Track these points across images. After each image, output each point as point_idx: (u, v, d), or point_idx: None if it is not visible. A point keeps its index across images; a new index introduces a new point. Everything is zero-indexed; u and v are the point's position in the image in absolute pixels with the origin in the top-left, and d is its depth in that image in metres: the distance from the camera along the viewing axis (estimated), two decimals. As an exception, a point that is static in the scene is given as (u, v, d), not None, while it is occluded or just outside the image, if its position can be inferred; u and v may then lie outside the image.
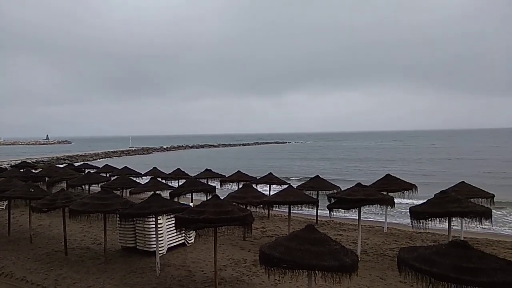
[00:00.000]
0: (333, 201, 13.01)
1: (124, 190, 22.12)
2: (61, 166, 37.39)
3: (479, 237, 16.20)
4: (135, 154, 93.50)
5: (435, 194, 11.74)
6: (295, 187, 16.92)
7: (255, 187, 18.65)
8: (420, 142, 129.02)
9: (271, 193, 19.16)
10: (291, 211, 14.83)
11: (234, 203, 11.35)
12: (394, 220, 20.72)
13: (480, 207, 11.17)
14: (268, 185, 22.02)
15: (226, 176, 23.61)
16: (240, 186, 19.67)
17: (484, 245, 14.80)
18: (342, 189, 16.21)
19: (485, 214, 10.69)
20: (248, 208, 13.86)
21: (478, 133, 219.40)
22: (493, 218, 11.34)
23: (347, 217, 17.94)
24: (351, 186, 13.48)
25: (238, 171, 23.53)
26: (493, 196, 15.41)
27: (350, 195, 12.55)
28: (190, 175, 24.83)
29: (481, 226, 11.85)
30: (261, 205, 15.40)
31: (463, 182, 16.26)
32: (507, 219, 21.46)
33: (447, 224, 11.31)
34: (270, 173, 22.68)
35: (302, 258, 7.06)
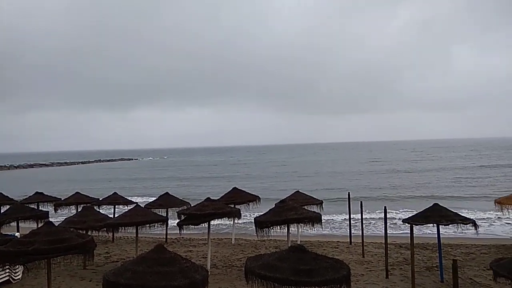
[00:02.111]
0: (183, 217, 12.91)
1: None
2: None
3: (312, 240, 18.20)
4: None
5: (275, 204, 12.80)
6: (143, 206, 16.21)
7: (97, 209, 17.15)
8: (264, 157, 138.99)
9: (116, 215, 17.91)
10: (140, 232, 14.11)
11: (72, 229, 10.20)
12: (241, 231, 21.70)
13: (312, 213, 12.65)
14: (112, 206, 20.53)
15: (62, 199, 21.08)
16: (80, 209, 17.80)
17: (316, 247, 16.70)
18: (192, 205, 16.24)
19: (316, 219, 12.13)
20: (90, 233, 12.65)
21: (317, 147, 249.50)
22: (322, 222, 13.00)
23: (196, 232, 18.08)
24: (201, 201, 13.64)
25: (77, 193, 21.25)
26: (322, 202, 17.64)
27: (200, 210, 12.65)
28: (15, 199, 21.32)
29: (314, 229, 13.43)
30: (105, 229, 14.20)
31: (298, 191, 18.18)
32: (334, 224, 24.67)
33: (286, 230, 12.41)
34: (115, 193, 21.21)
35: (151, 281, 6.73)
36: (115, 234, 18.83)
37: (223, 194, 17.91)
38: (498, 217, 22.88)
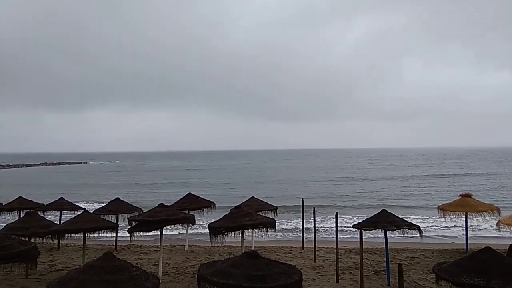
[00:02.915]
0: (134, 224, 12.54)
1: None
2: None
3: (266, 246, 18.30)
4: None
5: (230, 210, 12.78)
6: (92, 212, 15.56)
7: (42, 215, 16.22)
8: (221, 162, 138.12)
9: (63, 222, 17.03)
10: (87, 239, 13.51)
11: (13, 236, 9.59)
12: (195, 237, 21.40)
13: (267, 218, 12.75)
14: (58, 212, 19.49)
15: (3, 204, 19.75)
16: (22, 215, 16.74)
17: (270, 252, 16.81)
18: (144, 211, 15.81)
19: (270, 225, 12.24)
20: (33, 240, 11.94)
21: (274, 153, 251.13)
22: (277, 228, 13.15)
23: (148, 239, 17.61)
24: (154, 207, 13.32)
25: (20, 197, 19.98)
26: (277, 208, 17.85)
27: (152, 216, 12.34)
28: None
29: (268, 235, 13.55)
30: (50, 236, 13.47)
31: (253, 197, 18.27)
32: (288, 230, 24.98)
33: (240, 236, 12.42)
34: (61, 198, 20.17)
35: (99, 290, 6.48)
36: (61, 241, 17.88)
37: (177, 200, 17.61)
38: (441, 223, 24.19)
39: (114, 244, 18.31)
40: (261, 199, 18.27)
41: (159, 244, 13.36)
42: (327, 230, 24.12)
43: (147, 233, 14.06)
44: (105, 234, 14.62)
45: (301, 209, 17.79)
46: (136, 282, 6.91)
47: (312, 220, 16.26)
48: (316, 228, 16.69)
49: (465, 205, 16.59)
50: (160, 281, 12.51)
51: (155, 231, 12.88)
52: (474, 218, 17.85)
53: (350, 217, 28.26)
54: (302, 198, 17.94)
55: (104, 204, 18.64)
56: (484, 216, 16.87)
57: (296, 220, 24.99)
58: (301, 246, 17.72)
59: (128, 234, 12.49)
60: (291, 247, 18.25)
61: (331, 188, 50.57)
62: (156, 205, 13.13)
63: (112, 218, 16.54)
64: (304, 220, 17.62)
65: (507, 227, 12.96)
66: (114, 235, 17.59)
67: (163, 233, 13.11)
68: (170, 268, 14.38)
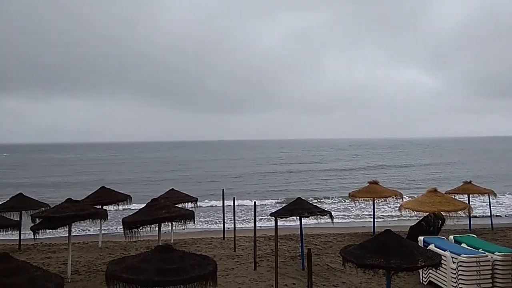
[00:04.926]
0: (38, 221, 11.54)
1: None
2: None
3: (186, 238, 18.05)
4: None
5: (147, 203, 12.32)
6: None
7: None
8: (145, 154, 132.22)
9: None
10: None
11: None
12: (111, 233, 20.37)
13: (185, 210, 12.53)
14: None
15: None
16: None
17: (190, 244, 16.64)
18: (51, 207, 14.63)
19: (189, 217, 12.04)
20: None
21: (201, 144, 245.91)
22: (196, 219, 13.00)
23: (57, 236, 16.41)
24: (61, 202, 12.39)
25: None
26: (197, 199, 17.72)
27: (58, 212, 11.45)
28: None
29: (186, 227, 13.35)
30: None
31: (173, 189, 17.90)
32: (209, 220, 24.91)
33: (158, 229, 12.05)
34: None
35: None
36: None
37: (89, 194, 16.57)
38: (355, 209, 25.86)
39: (17, 243, 16.71)
40: (181, 191, 17.96)
41: (67, 242, 12.48)
42: (250, 220, 24.50)
43: (56, 230, 13.16)
44: (6, 233, 13.47)
45: (222, 198, 17.87)
46: (36, 284, 6.33)
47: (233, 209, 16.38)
48: (235, 217, 16.89)
49: (372, 191, 17.93)
50: (69, 280, 11.83)
51: (64, 228, 12.05)
52: (381, 203, 19.39)
53: (273, 204, 29.13)
54: (223, 189, 17.98)
55: (5, 200, 16.90)
56: (388, 201, 18.44)
57: (217, 211, 25.02)
58: (222, 236, 17.79)
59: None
60: (212, 237, 18.24)
61: (254, 178, 51.62)
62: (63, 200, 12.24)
63: (15, 216, 15.13)
64: (225, 210, 17.72)
65: (407, 211, 14.22)
66: (18, 233, 16.08)
67: (75, 230, 12.28)
68: (81, 266, 13.53)
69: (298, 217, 12.65)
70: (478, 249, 10.73)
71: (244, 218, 24.71)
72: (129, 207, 17.51)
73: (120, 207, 16.92)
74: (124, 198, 16.38)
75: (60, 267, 13.25)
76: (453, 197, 15.95)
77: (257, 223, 13.31)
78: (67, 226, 11.82)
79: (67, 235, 12.63)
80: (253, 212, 12.99)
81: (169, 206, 11.94)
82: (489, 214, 20.17)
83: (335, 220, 20.94)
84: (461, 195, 18.26)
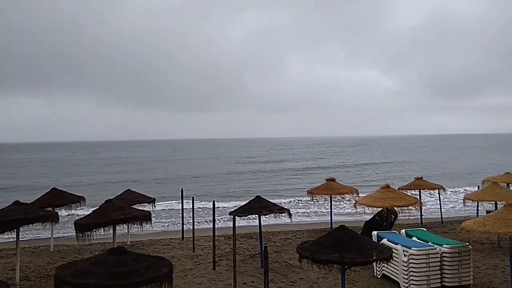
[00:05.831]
0: (-19, 226, 10.83)
1: None
2: None
3: (144, 239, 17.62)
4: None
5: (100, 204, 11.92)
6: None
7: None
8: (101, 155, 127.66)
9: None
10: None
11: None
12: (64, 235, 19.52)
13: (141, 211, 12.23)
14: None
15: None
16: None
17: (148, 246, 16.27)
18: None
19: (145, 218, 11.76)
20: None
21: (162, 143, 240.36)
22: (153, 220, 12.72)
23: (4, 241, 15.53)
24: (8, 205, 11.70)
25: None
26: (155, 200, 17.38)
27: (4, 216, 10.82)
28: None
29: (143, 229, 13.00)
30: None
31: (129, 189, 17.45)
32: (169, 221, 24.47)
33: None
34: None
35: None
36: None
37: (39, 196, 15.78)
38: (311, 205, 26.33)
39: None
40: (138, 192, 17.53)
41: (15, 247, 11.83)
42: (211, 221, 24.24)
43: (3, 235, 12.38)
44: None
45: (180, 199, 17.62)
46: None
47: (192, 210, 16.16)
48: (194, 217, 16.71)
49: (330, 188, 18.33)
50: (18, 287, 11.24)
51: (11, 232, 11.39)
52: (338, 199, 19.87)
53: (232, 204, 29.02)
54: (182, 188, 17.73)
55: None
56: (346, 197, 18.92)
57: (176, 210, 24.62)
58: (181, 236, 17.55)
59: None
60: (171, 238, 17.93)
61: (215, 178, 51.30)
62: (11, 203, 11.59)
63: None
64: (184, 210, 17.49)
65: (361, 207, 14.65)
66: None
67: (25, 234, 11.65)
68: (31, 271, 12.89)
69: (257, 215, 12.70)
70: (428, 242, 11.23)
71: (207, 219, 24.46)
72: (85, 211, 16.89)
73: (77, 211, 16.26)
74: (77, 200, 15.73)
75: (8, 273, 12.57)
76: (405, 192, 16.64)
77: (219, 223, 13.26)
78: (15, 230, 11.20)
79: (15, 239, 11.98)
80: (212, 211, 12.89)
81: (124, 207, 11.62)
82: (439, 208, 21.18)
83: (295, 218, 21.31)
84: (413, 191, 19.03)
